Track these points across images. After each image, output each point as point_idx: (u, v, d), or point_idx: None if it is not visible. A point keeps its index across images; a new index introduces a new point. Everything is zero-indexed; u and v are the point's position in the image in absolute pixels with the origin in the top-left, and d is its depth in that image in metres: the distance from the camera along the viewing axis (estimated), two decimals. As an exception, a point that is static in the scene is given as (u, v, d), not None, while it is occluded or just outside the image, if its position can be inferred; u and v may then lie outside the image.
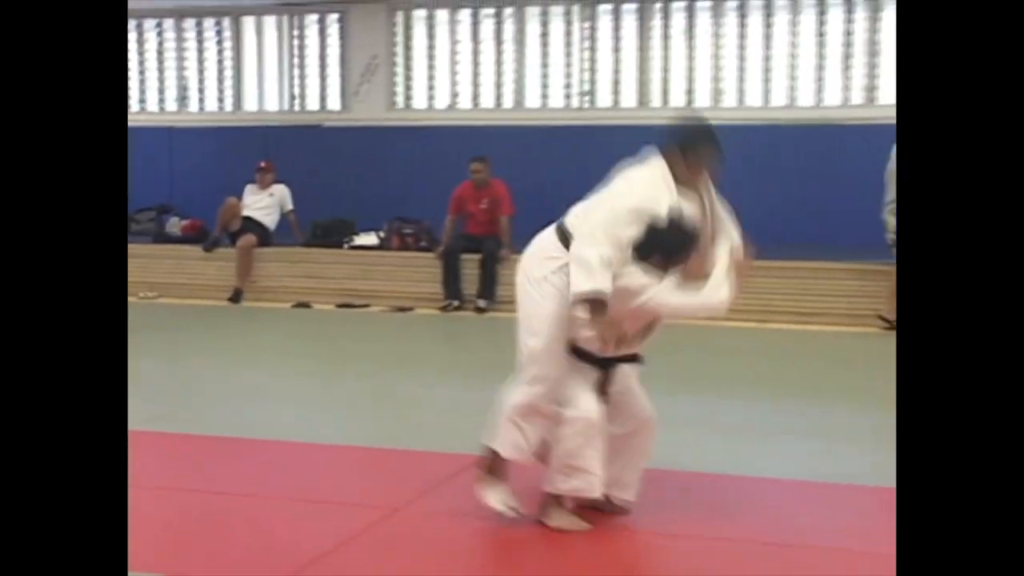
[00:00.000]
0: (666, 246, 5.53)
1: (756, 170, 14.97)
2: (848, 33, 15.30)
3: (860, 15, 15.21)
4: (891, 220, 12.11)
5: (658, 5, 15.91)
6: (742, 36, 15.72)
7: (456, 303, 13.95)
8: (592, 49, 16.30)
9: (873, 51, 15.18)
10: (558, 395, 5.73)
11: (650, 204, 5.59)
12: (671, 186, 5.73)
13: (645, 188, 5.73)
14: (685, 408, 8.30)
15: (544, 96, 16.54)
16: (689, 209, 5.68)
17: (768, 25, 15.59)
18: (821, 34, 15.42)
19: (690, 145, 5.80)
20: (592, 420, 5.65)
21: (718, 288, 5.56)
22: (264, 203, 15.17)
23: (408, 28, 16.88)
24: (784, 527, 5.91)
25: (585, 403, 5.65)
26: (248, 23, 17.49)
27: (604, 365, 5.77)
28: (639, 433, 5.98)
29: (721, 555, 5.65)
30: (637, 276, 5.48)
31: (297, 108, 17.44)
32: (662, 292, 5.49)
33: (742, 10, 15.67)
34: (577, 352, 5.73)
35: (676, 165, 5.78)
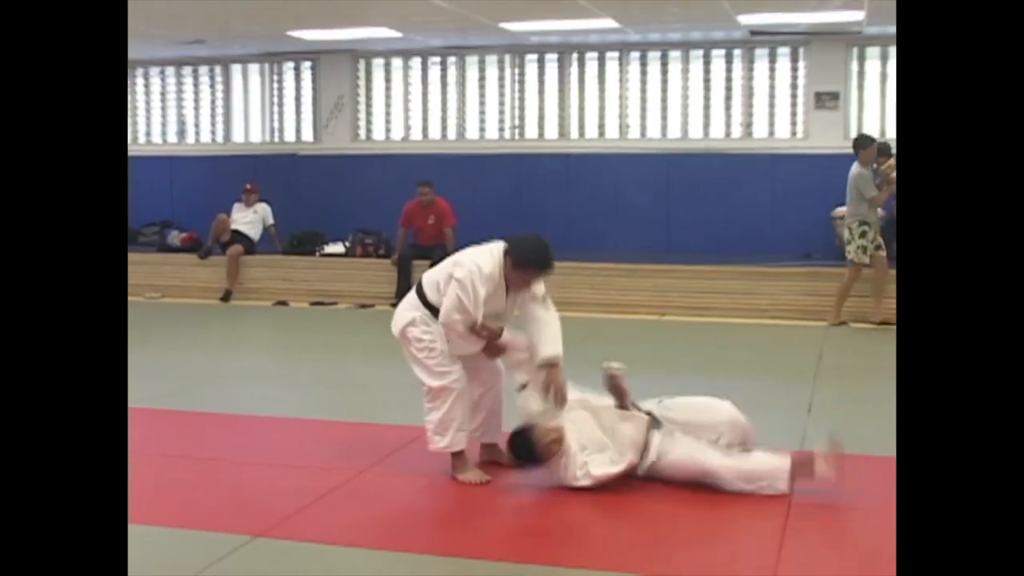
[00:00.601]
0: None
1: (653, 190, 15.16)
2: (728, 79, 15.44)
3: (737, 64, 15.36)
4: (844, 232, 12.18)
5: (575, 55, 15.98)
6: (643, 80, 15.79)
7: (408, 301, 13.96)
8: (521, 90, 16.33)
9: (749, 93, 15.33)
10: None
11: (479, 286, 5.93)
12: (496, 280, 6.02)
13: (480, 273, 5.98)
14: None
15: (481, 129, 16.52)
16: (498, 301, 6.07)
17: (664, 71, 15.68)
18: (707, 79, 15.53)
19: (522, 265, 6.02)
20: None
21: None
22: (249, 218, 15.15)
23: (369, 73, 16.86)
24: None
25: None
26: (236, 70, 17.44)
27: None
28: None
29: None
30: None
31: (276, 139, 17.37)
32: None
33: (643, 59, 15.75)
34: None
35: (508, 270, 6.03)
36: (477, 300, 5.88)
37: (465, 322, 5.91)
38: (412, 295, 6.39)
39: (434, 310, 6.10)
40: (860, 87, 15.11)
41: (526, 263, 5.99)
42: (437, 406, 6.02)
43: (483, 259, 6.02)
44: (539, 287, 6.11)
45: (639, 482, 5.90)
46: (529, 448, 5.86)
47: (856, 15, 12.97)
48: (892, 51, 14.87)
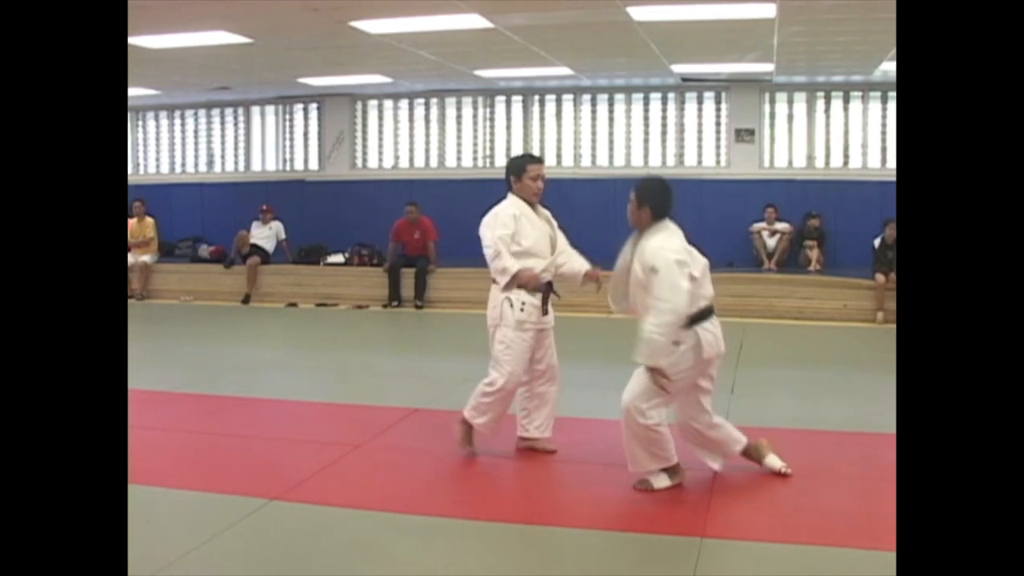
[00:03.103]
0: None
1: (602, 209, 15.14)
2: (664, 118, 15.47)
3: (671, 105, 15.40)
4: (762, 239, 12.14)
5: (536, 97, 16.00)
6: (594, 118, 15.83)
7: (397, 303, 13.97)
8: (491, 126, 16.33)
9: (680, 129, 15.37)
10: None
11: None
12: (520, 206, 5.91)
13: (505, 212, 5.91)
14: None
15: (458, 158, 16.52)
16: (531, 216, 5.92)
17: (611, 111, 15.72)
18: (646, 117, 15.55)
19: (510, 172, 6.05)
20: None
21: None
22: (265, 234, 15.11)
23: (365, 112, 16.82)
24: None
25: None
26: (255, 111, 17.35)
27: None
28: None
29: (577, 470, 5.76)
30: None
31: (288, 168, 17.29)
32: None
33: (593, 100, 15.79)
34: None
35: (514, 188, 6.00)
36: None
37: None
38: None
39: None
40: (771, 125, 15.22)
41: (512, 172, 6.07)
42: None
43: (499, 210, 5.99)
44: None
45: (590, 456, 5.92)
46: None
47: (767, 66, 13.11)
48: (797, 95, 15.05)
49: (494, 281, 5.89)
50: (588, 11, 9.62)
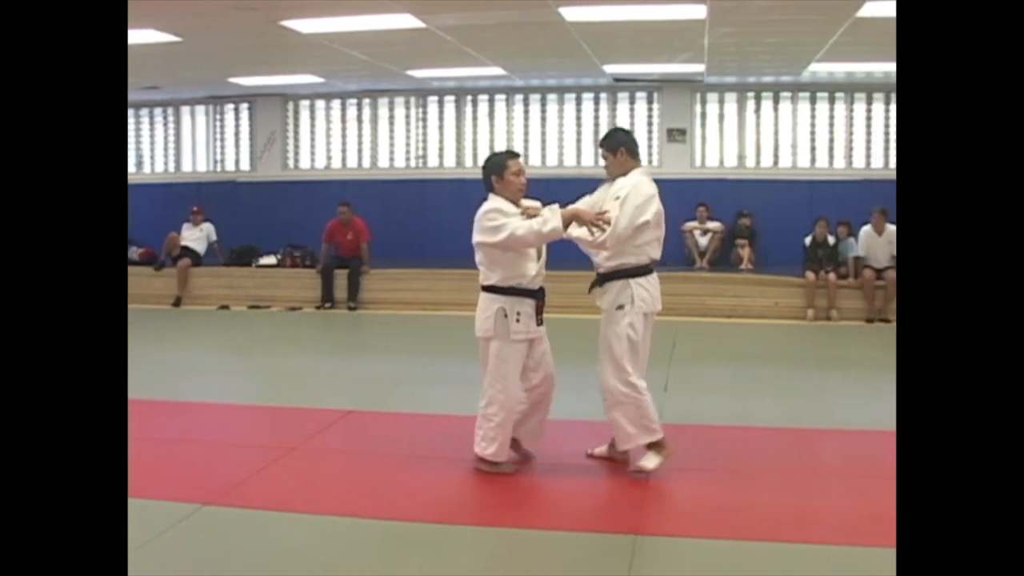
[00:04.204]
0: None
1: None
2: (596, 118, 15.54)
3: (604, 106, 15.49)
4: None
5: (469, 97, 16.00)
6: (526, 118, 15.87)
7: (330, 304, 13.88)
8: (424, 127, 16.29)
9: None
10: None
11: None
12: (506, 206, 5.61)
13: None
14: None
15: (391, 158, 16.46)
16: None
17: (543, 111, 15.77)
18: (579, 118, 15.63)
19: (491, 171, 5.73)
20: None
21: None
22: (196, 236, 14.93)
23: (296, 112, 16.69)
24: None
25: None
26: (185, 110, 17.13)
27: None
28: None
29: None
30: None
31: (219, 169, 17.11)
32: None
33: (526, 100, 15.83)
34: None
35: (496, 188, 5.69)
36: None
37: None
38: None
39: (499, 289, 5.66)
40: (703, 125, 15.37)
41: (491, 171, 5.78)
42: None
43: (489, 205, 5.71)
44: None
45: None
46: None
47: (699, 67, 13.22)
48: (728, 96, 15.23)
49: (483, 288, 5.69)
50: (520, 11, 9.63)
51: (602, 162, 5.90)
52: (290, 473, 5.80)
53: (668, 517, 5.10)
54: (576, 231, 5.54)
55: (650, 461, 5.59)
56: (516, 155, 5.84)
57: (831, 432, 6.84)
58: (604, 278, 5.70)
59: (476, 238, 5.61)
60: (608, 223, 5.46)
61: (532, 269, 5.62)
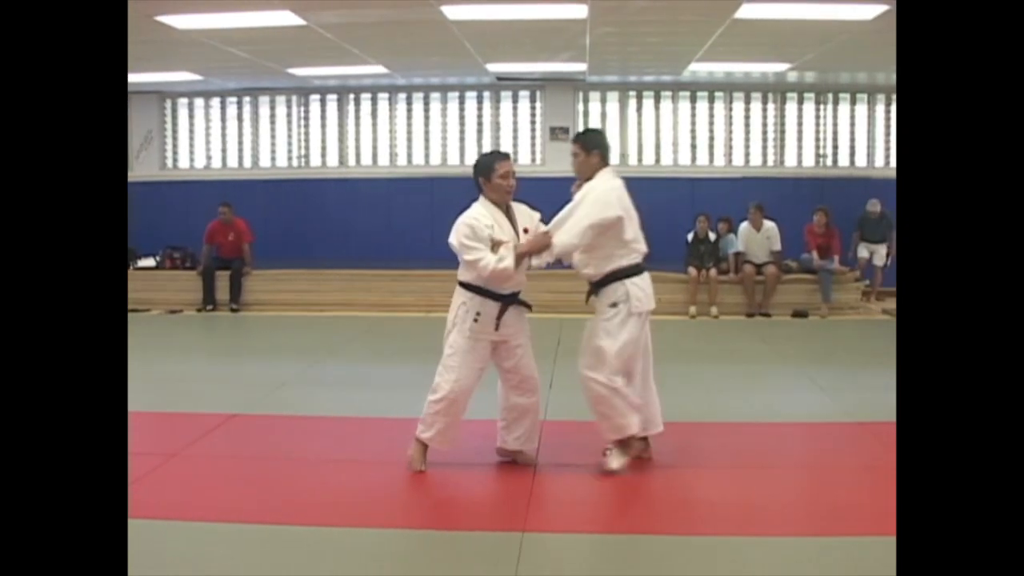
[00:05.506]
0: None
1: (419, 207, 15.17)
2: (479, 116, 15.61)
3: (487, 104, 15.57)
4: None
5: (351, 95, 15.90)
6: (409, 117, 15.88)
7: (212, 307, 13.66)
8: (306, 125, 16.15)
9: (496, 128, 15.63)
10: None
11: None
12: (490, 209, 5.59)
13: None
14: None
15: (273, 157, 16.27)
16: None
17: (427, 109, 15.79)
18: (462, 116, 15.70)
19: (478, 174, 5.67)
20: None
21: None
22: (70, 237, 14.57)
23: (175, 110, 16.38)
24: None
25: None
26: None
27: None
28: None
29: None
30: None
31: (93, 168, 16.73)
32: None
33: (409, 99, 15.82)
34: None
35: (484, 190, 5.65)
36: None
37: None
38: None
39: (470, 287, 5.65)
40: (585, 123, 15.53)
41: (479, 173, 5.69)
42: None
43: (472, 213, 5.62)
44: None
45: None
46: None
47: (580, 66, 13.36)
48: (609, 95, 15.44)
49: (458, 281, 5.69)
50: (401, 9, 9.60)
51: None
52: (171, 480, 5.67)
53: (553, 513, 5.13)
54: (536, 260, 5.54)
55: (615, 461, 5.61)
56: (505, 156, 5.77)
57: (715, 425, 6.97)
58: (598, 285, 5.68)
59: (452, 241, 5.58)
60: (549, 244, 5.50)
61: (510, 281, 5.58)
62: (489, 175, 5.63)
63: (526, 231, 5.67)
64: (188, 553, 4.57)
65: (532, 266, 5.62)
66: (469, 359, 5.60)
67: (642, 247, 5.70)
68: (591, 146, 5.76)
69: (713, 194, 14.58)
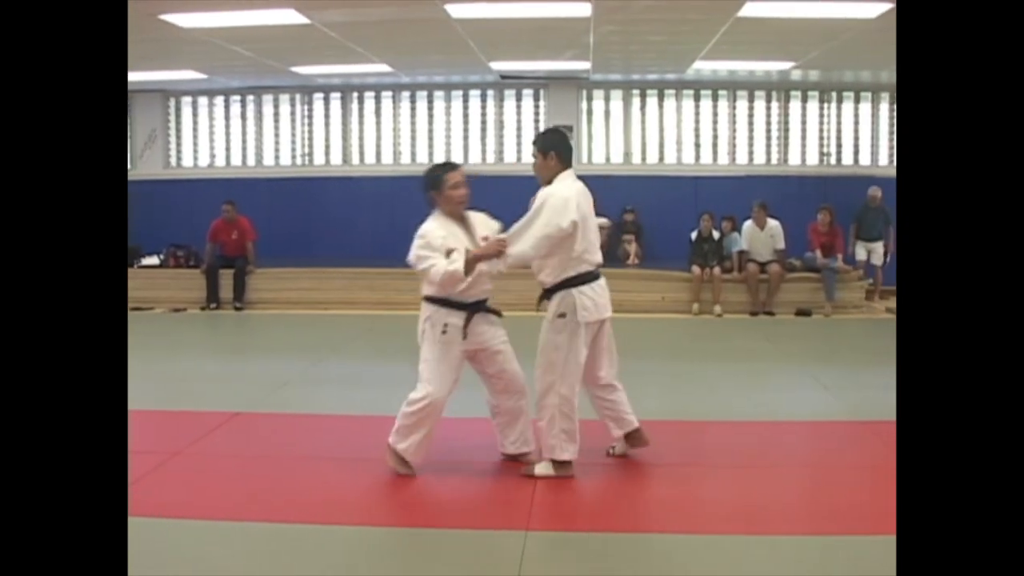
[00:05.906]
0: None
1: (422, 206, 15.11)
2: (483, 115, 15.62)
3: (491, 103, 15.59)
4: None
5: (355, 94, 15.90)
6: (413, 115, 15.85)
7: (216, 305, 13.67)
8: (309, 124, 16.15)
9: (500, 127, 15.58)
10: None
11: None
12: (443, 221, 5.55)
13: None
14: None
15: (276, 156, 16.27)
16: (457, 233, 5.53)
17: (430, 108, 15.77)
18: (466, 115, 15.67)
19: (428, 187, 5.62)
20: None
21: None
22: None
23: (178, 109, 16.38)
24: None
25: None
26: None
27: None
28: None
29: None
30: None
31: (97, 167, 16.74)
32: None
33: (412, 97, 15.80)
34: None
35: (436, 204, 5.59)
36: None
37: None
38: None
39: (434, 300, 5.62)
40: (589, 122, 15.55)
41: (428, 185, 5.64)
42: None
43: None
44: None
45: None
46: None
47: (584, 64, 13.36)
48: (613, 93, 15.43)
49: (423, 298, 5.65)
50: (405, 8, 9.61)
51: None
52: (173, 479, 5.68)
53: (557, 512, 5.13)
54: (483, 265, 5.44)
55: (543, 468, 5.57)
56: (454, 167, 5.70)
57: (718, 424, 6.97)
58: (549, 292, 5.60)
59: (409, 258, 5.54)
60: (503, 251, 5.41)
61: (461, 284, 5.49)
62: (440, 187, 5.55)
63: (485, 239, 5.58)
64: (190, 552, 4.57)
65: (492, 273, 5.55)
66: (442, 368, 5.55)
67: (594, 257, 5.57)
68: (547, 147, 5.59)
69: (717, 193, 14.58)
